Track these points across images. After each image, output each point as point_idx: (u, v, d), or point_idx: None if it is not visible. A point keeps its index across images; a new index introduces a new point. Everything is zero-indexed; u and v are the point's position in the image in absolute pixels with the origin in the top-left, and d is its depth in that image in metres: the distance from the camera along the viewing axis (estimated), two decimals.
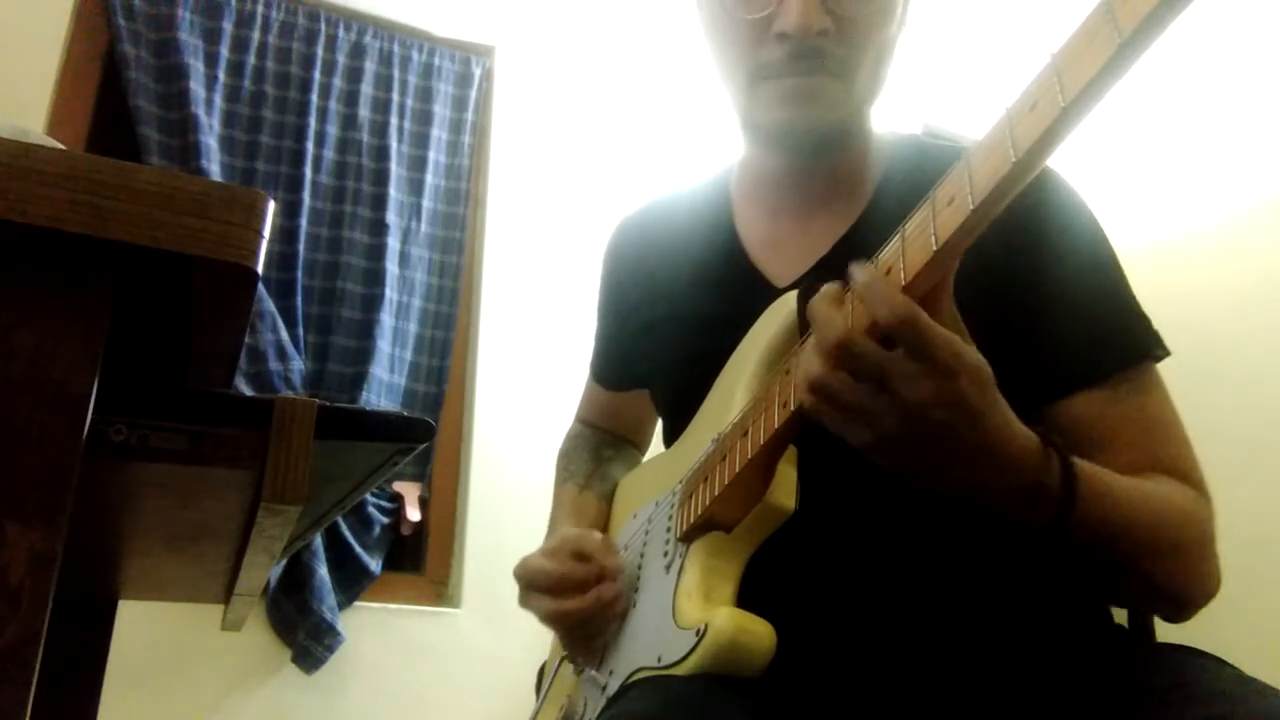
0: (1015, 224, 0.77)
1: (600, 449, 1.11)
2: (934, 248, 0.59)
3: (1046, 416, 0.79)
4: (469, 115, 2.77)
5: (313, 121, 2.54)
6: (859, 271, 0.62)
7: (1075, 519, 0.67)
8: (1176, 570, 0.73)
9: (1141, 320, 0.83)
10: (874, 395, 0.61)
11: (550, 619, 0.85)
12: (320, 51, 2.61)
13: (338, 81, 2.62)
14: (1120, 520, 0.69)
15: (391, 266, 2.56)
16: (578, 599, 0.83)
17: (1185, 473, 0.78)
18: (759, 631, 0.69)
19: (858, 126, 0.91)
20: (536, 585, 0.85)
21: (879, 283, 0.61)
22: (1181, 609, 0.75)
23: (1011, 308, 0.80)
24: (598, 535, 0.89)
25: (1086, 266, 0.83)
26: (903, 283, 0.61)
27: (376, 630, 2.36)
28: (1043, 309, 0.81)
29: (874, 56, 0.86)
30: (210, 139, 2.41)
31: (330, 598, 2.27)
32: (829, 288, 0.65)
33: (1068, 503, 0.66)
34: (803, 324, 0.77)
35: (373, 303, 2.51)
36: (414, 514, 2.52)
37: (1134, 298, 0.84)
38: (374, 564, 2.39)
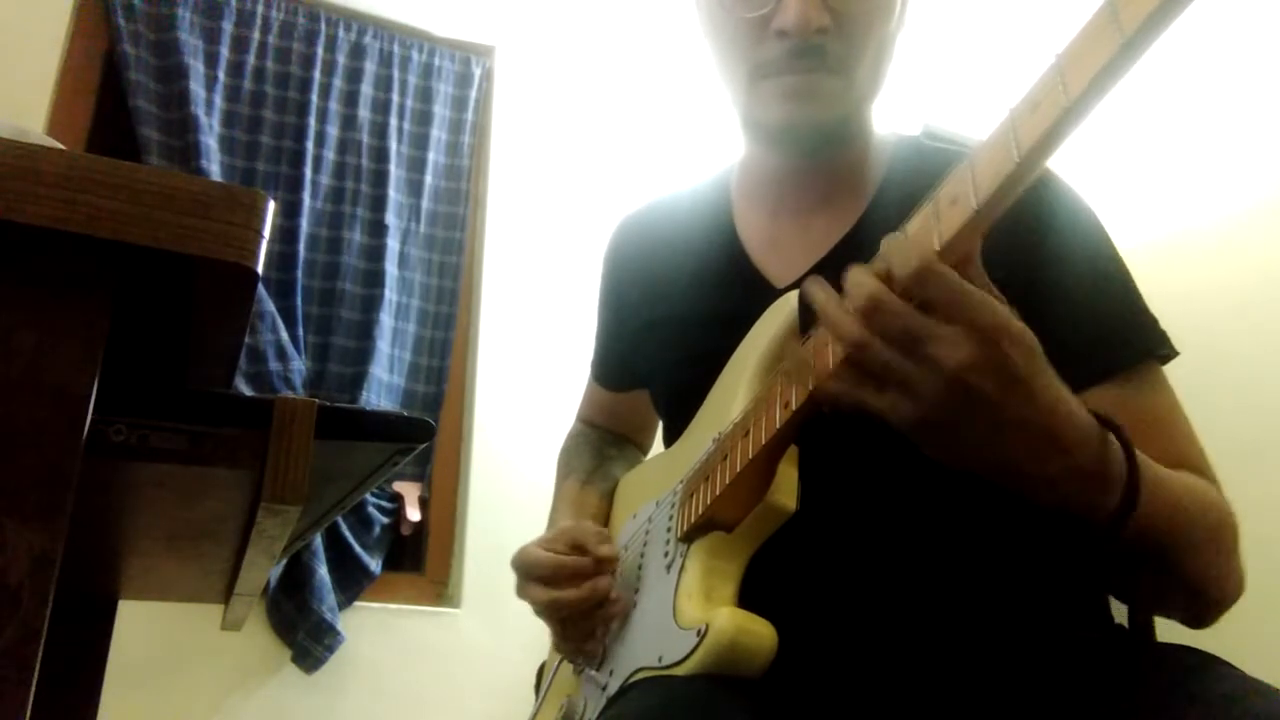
0: (1018, 226, 0.77)
1: (603, 447, 1.11)
2: (937, 248, 0.59)
3: None
4: (469, 115, 2.77)
5: (313, 122, 2.54)
6: (887, 240, 0.61)
7: (1140, 513, 0.63)
8: (1216, 567, 0.72)
9: (1149, 319, 0.83)
10: (909, 360, 0.58)
11: (545, 608, 0.85)
12: (320, 51, 2.61)
13: (338, 82, 2.61)
14: (1172, 510, 0.67)
15: (391, 267, 2.56)
16: (572, 589, 0.83)
17: (1200, 469, 0.78)
18: (760, 632, 0.69)
19: (858, 125, 0.91)
20: (532, 574, 0.85)
21: (905, 241, 0.60)
22: (1215, 610, 0.73)
23: (1017, 309, 0.79)
24: (595, 527, 0.89)
25: (1092, 266, 0.83)
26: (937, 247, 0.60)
27: (376, 630, 2.36)
28: (1049, 309, 0.80)
29: (873, 54, 0.86)
30: (210, 139, 2.41)
31: (330, 598, 2.27)
32: (854, 268, 0.62)
33: (1133, 490, 0.63)
34: (804, 323, 0.77)
35: (372, 303, 2.51)
36: (414, 514, 2.52)
37: (1140, 297, 0.84)
38: (374, 564, 2.39)
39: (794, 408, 0.69)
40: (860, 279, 0.60)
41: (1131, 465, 0.63)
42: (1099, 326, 0.81)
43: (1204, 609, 0.74)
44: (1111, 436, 0.64)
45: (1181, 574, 0.70)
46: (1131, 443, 0.63)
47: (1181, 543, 0.69)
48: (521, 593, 0.87)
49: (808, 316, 0.70)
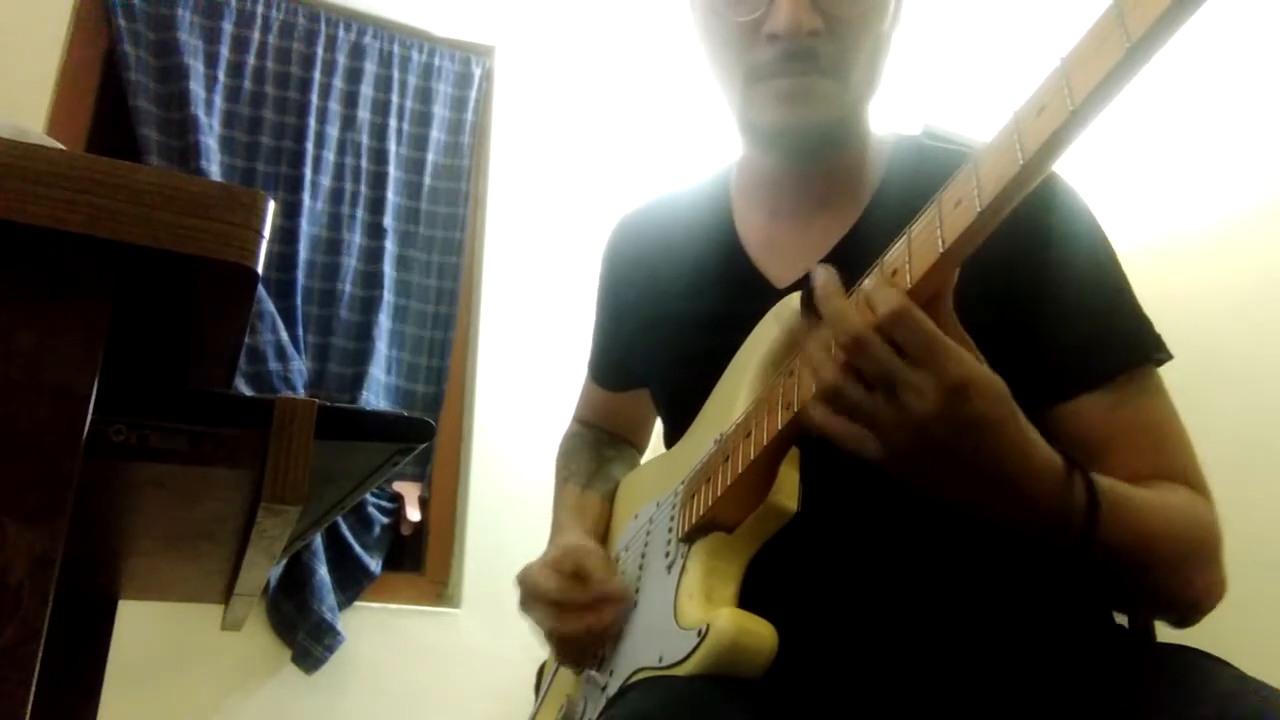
0: (1019, 229, 0.77)
1: (601, 448, 1.10)
2: (941, 249, 0.59)
3: (1048, 419, 0.79)
4: (469, 116, 2.77)
5: (313, 122, 2.54)
6: (868, 279, 0.62)
7: (1098, 541, 0.66)
8: (1188, 580, 0.73)
9: (1144, 324, 0.83)
10: (884, 405, 0.61)
11: (546, 635, 0.86)
12: (320, 52, 2.60)
13: (338, 82, 2.61)
14: (1138, 536, 0.69)
15: (390, 269, 2.56)
16: (574, 622, 0.83)
17: (1189, 478, 0.78)
18: (761, 632, 0.69)
19: (855, 126, 0.91)
20: (536, 600, 0.86)
21: (886, 286, 0.61)
22: (1190, 617, 0.74)
23: (1014, 311, 0.79)
24: (600, 554, 0.89)
25: (1089, 270, 0.83)
26: (909, 285, 0.61)
27: (376, 630, 2.36)
28: (1045, 312, 0.80)
29: (868, 54, 0.86)
30: (210, 139, 2.40)
31: (330, 598, 2.27)
32: (830, 281, 0.65)
33: (1090, 526, 0.66)
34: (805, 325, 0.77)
35: (372, 304, 2.51)
36: (414, 514, 2.52)
37: (1136, 302, 0.84)
38: (374, 564, 2.39)
39: (796, 409, 0.69)
40: (842, 309, 0.63)
41: (1090, 503, 0.66)
42: (1094, 331, 0.81)
43: (1180, 616, 0.75)
44: (1078, 475, 0.67)
45: (1150, 589, 0.73)
46: (1097, 490, 0.66)
47: (1147, 562, 0.70)
48: (524, 609, 0.88)
49: (809, 318, 0.70)
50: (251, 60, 2.54)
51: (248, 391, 2.26)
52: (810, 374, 0.67)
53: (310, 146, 2.52)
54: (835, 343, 0.63)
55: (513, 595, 0.89)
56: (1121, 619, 0.83)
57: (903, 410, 0.60)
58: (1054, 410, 0.80)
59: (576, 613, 0.83)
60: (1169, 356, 0.82)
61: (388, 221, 2.58)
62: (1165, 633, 0.79)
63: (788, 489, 0.73)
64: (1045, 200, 0.83)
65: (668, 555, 0.81)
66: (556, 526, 1.01)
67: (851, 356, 0.62)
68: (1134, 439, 0.78)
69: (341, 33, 2.65)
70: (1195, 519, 0.75)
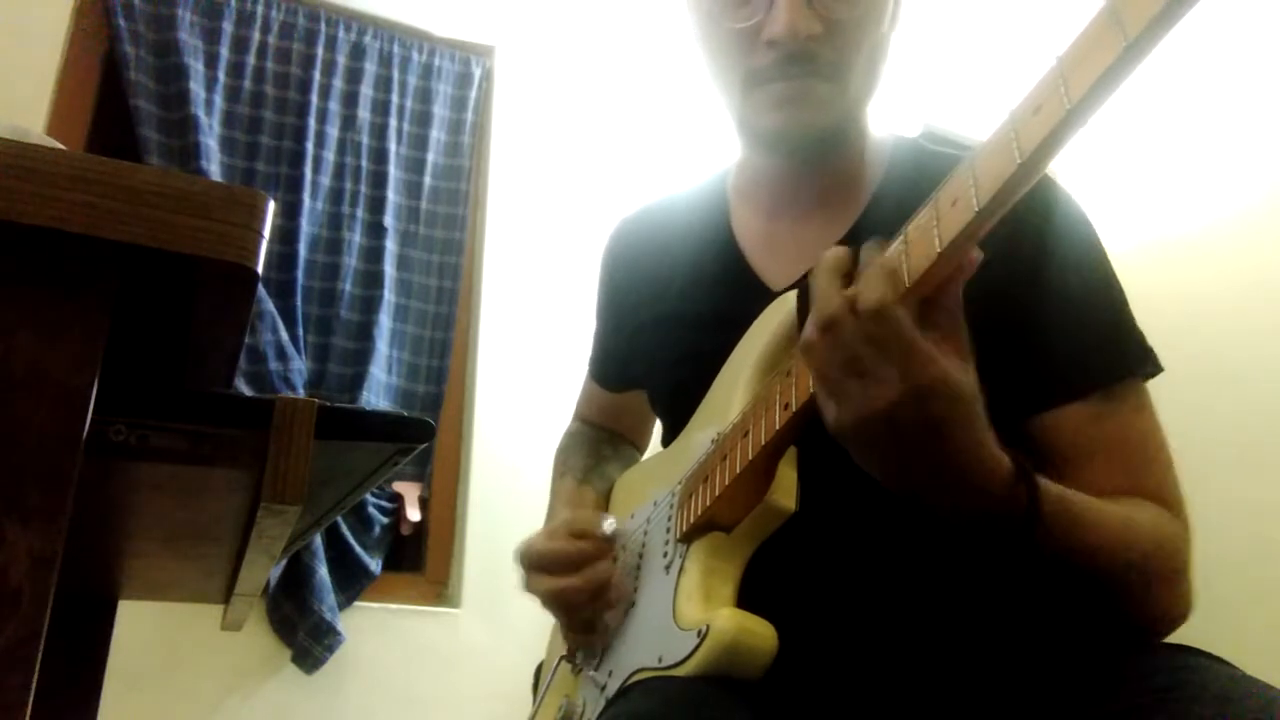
0: (1017, 235, 0.77)
1: (599, 447, 1.11)
2: (938, 249, 0.59)
3: (1032, 428, 0.79)
4: (469, 116, 2.77)
5: (312, 122, 2.54)
6: (868, 269, 0.62)
7: (1039, 542, 0.67)
8: (1143, 597, 0.73)
9: (1134, 337, 0.83)
10: (848, 374, 0.62)
11: (549, 597, 0.86)
12: (320, 52, 2.60)
13: (338, 82, 2.61)
14: (1086, 547, 0.70)
15: (390, 268, 2.56)
16: (576, 577, 0.83)
17: (1164, 496, 0.78)
18: (761, 632, 0.69)
19: (853, 128, 0.91)
20: (536, 565, 0.86)
21: (879, 279, 0.61)
22: (1148, 633, 0.74)
23: (1006, 317, 0.79)
24: (595, 515, 0.90)
25: (1083, 281, 0.83)
26: (906, 283, 0.61)
27: (376, 630, 2.36)
28: (1035, 321, 0.80)
29: (866, 57, 0.86)
30: (210, 139, 2.41)
31: (330, 598, 2.27)
32: (833, 257, 0.66)
33: (1029, 531, 0.67)
34: (802, 325, 0.77)
35: (372, 304, 2.51)
36: (414, 514, 2.52)
37: (1129, 314, 0.83)
38: (374, 564, 2.39)
39: (794, 409, 0.69)
40: (827, 292, 0.64)
41: (1031, 508, 0.67)
42: (1081, 343, 0.81)
43: (1138, 630, 0.74)
44: (1022, 482, 0.67)
45: (1110, 599, 0.72)
46: (1037, 488, 0.67)
47: (1093, 573, 0.71)
48: (526, 585, 0.88)
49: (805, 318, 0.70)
50: (251, 60, 2.54)
51: (248, 391, 2.26)
52: (795, 398, 0.69)
53: (310, 146, 2.52)
54: (811, 319, 0.64)
55: (513, 596, 0.89)
56: None
57: (865, 394, 0.61)
58: (1038, 419, 0.80)
59: (575, 567, 0.84)
60: (1158, 370, 0.82)
61: (388, 221, 2.58)
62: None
63: (786, 488, 0.73)
64: (1044, 207, 0.83)
65: (666, 555, 0.81)
66: (551, 516, 1.02)
67: (823, 334, 0.63)
68: (1111, 453, 0.78)
69: (341, 33, 2.65)
70: (1159, 535, 0.75)
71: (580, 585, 0.83)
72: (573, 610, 0.85)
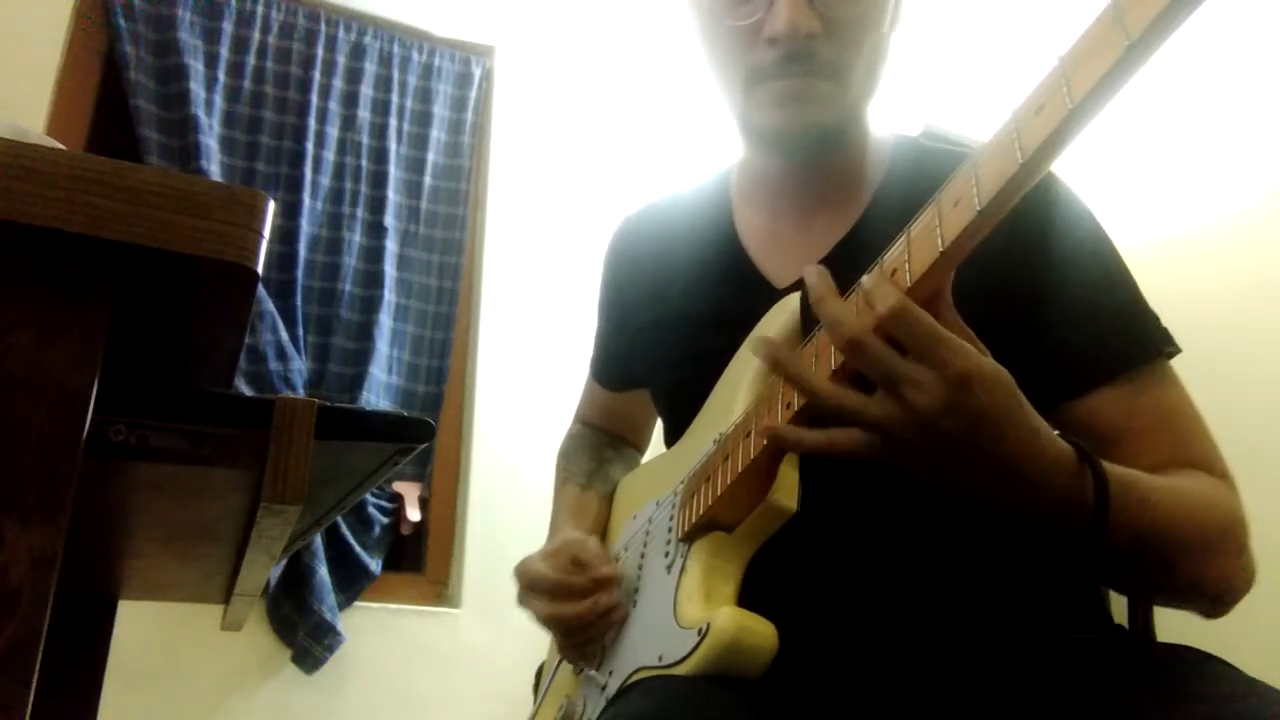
0: (1021, 230, 0.77)
1: (601, 449, 1.11)
2: (940, 249, 0.59)
3: (1065, 417, 0.79)
4: (469, 116, 2.77)
5: (312, 122, 2.54)
6: (867, 277, 0.62)
7: (1108, 529, 0.65)
8: (1215, 566, 0.72)
9: (1153, 318, 0.83)
10: (888, 404, 0.61)
11: (546, 622, 0.86)
12: (320, 52, 2.60)
13: (338, 82, 2.61)
14: (1156, 524, 0.69)
15: (390, 268, 2.56)
16: (574, 604, 0.83)
17: (1211, 464, 0.78)
18: (761, 631, 0.69)
19: (854, 127, 0.91)
20: (534, 589, 0.86)
21: (885, 284, 0.61)
22: (1220, 605, 0.73)
23: (1020, 312, 0.79)
24: (597, 545, 0.89)
25: (1094, 268, 0.83)
26: (908, 284, 0.61)
27: (376, 630, 2.36)
28: (1052, 311, 0.81)
29: (866, 56, 0.86)
30: (210, 139, 2.40)
31: (330, 598, 2.27)
32: (823, 283, 0.65)
33: (1100, 513, 0.65)
34: (805, 325, 0.77)
35: (372, 304, 2.51)
36: (414, 514, 2.52)
37: (1142, 296, 0.84)
38: (374, 564, 2.39)
39: (796, 409, 0.69)
40: (839, 314, 0.62)
41: (1099, 491, 0.65)
42: (1106, 327, 0.81)
43: (1210, 604, 0.74)
44: (1087, 465, 0.66)
45: (1183, 574, 0.71)
46: (1105, 475, 0.65)
47: (1167, 552, 0.70)
48: (523, 603, 0.88)
49: (809, 317, 0.70)
50: (251, 60, 2.54)
51: (248, 391, 2.26)
52: (797, 397, 0.67)
53: (310, 146, 2.52)
54: (834, 346, 0.63)
55: (513, 596, 0.89)
56: (1121, 619, 0.83)
57: (907, 407, 0.60)
58: (1070, 406, 0.80)
59: (576, 596, 0.83)
60: (1178, 349, 0.82)
61: (388, 220, 2.58)
62: (1166, 632, 0.79)
63: (787, 488, 0.73)
64: (1046, 202, 0.83)
65: (667, 555, 0.81)
66: (554, 527, 1.02)
67: (851, 359, 0.62)
68: (1152, 429, 0.78)
69: (341, 33, 2.65)
70: (1216, 505, 0.75)
71: (580, 613, 0.83)
72: (570, 634, 0.85)
